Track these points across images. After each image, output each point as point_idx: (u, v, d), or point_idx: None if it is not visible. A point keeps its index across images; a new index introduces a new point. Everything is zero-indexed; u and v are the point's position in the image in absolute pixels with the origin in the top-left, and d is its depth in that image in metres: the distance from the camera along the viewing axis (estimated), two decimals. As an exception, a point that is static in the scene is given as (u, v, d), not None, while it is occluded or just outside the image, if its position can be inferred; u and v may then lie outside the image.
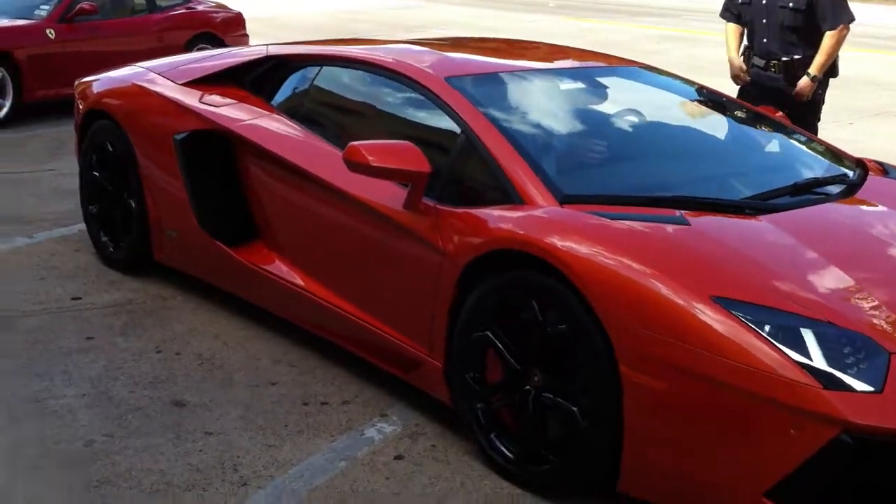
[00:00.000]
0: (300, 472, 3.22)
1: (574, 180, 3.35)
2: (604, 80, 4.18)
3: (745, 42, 5.48)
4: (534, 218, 3.11)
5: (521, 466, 3.11)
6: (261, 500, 3.07)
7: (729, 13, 5.55)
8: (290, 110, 4.29)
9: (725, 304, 2.68)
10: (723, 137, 3.97)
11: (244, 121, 4.32)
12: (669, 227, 3.01)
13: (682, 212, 3.12)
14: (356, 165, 3.43)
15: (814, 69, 5.11)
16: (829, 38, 5.10)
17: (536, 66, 4.25)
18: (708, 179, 3.57)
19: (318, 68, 4.33)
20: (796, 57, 5.15)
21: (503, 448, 3.16)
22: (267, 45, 4.86)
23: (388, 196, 3.56)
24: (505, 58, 4.44)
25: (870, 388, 2.53)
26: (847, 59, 12.39)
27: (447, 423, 3.49)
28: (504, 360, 3.13)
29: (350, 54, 4.29)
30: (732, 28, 5.52)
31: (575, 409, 2.91)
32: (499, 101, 3.75)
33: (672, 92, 4.29)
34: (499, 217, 3.19)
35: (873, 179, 3.70)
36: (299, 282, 4.01)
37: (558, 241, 2.94)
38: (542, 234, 3.00)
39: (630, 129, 3.91)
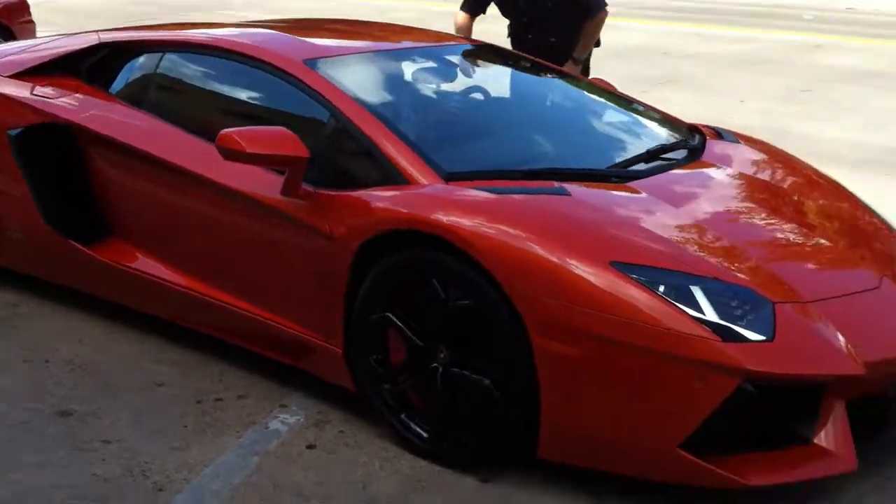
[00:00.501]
0: (214, 471, 3.19)
1: (454, 158, 3.44)
2: (457, 59, 4.30)
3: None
4: (426, 196, 3.18)
5: (437, 444, 3.20)
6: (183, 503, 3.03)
7: (469, 5, 5.60)
8: (136, 99, 4.16)
9: (622, 268, 2.86)
10: (574, 110, 4.17)
11: (86, 112, 4.15)
12: (554, 199, 3.17)
13: (560, 183, 3.29)
14: (231, 153, 3.39)
15: (577, 52, 5.37)
16: (590, 24, 5.37)
17: (392, 46, 4.30)
18: (570, 151, 3.77)
19: (160, 55, 4.19)
20: (554, 40, 5.35)
21: (416, 427, 3.23)
22: (97, 31, 4.67)
23: (263, 184, 3.53)
24: (359, 39, 4.48)
25: (762, 337, 2.79)
26: (634, 30, 13.20)
27: (350, 409, 3.53)
28: (407, 340, 3.19)
29: (197, 39, 4.20)
30: (465, 17, 5.59)
31: (488, 381, 3.03)
32: (364, 83, 3.78)
33: (519, 69, 4.46)
34: (389, 198, 3.24)
35: (711, 143, 4.00)
36: (171, 277, 3.92)
37: (455, 218, 3.03)
38: (437, 211, 3.07)
39: (494, 106, 4.06)
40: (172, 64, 4.16)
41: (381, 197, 3.26)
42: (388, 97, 3.82)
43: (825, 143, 7.54)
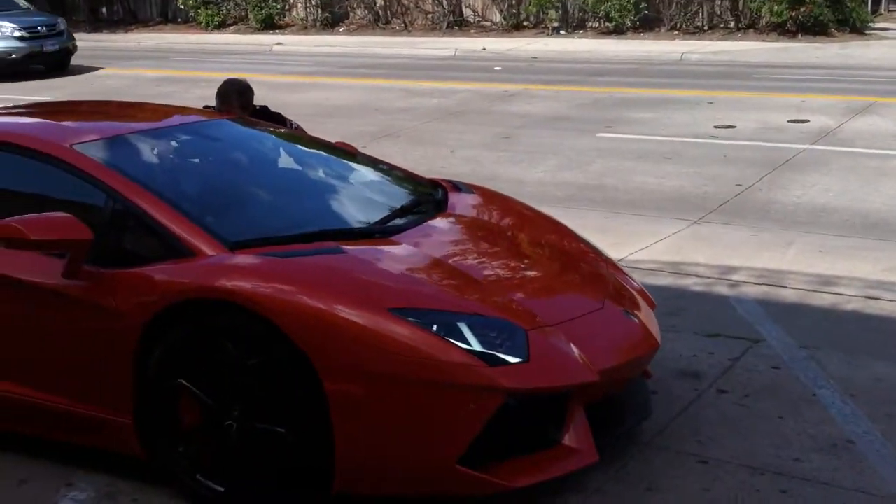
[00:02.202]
0: (13, 557, 3.21)
1: (235, 228, 3.68)
2: (213, 132, 4.53)
3: None
4: (214, 266, 3.41)
5: (236, 497, 3.39)
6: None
7: None
8: None
9: (399, 312, 3.25)
10: (330, 174, 4.51)
11: None
12: (332, 258, 3.51)
13: (335, 243, 3.64)
14: (14, 241, 3.45)
15: None
16: None
17: (152, 125, 4.44)
18: (334, 212, 4.12)
19: None
20: None
21: (213, 484, 3.41)
22: None
23: (38, 268, 3.60)
24: (114, 119, 4.58)
25: (519, 360, 3.27)
26: (344, 88, 13.80)
27: (138, 478, 3.63)
28: (201, 402, 3.39)
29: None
30: None
31: (282, 429, 3.29)
32: (135, 163, 3.94)
33: (273, 137, 4.75)
34: (178, 270, 3.43)
35: (453, 195, 4.49)
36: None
37: (244, 283, 3.29)
38: (226, 279, 3.32)
39: (261, 174, 4.33)
40: None
41: (170, 270, 3.45)
42: (162, 175, 3.98)
43: (531, 185, 8.40)
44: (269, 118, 5.54)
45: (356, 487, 3.32)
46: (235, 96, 5.81)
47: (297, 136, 4.91)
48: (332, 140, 5.12)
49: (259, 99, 5.81)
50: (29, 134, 3.98)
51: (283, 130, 4.95)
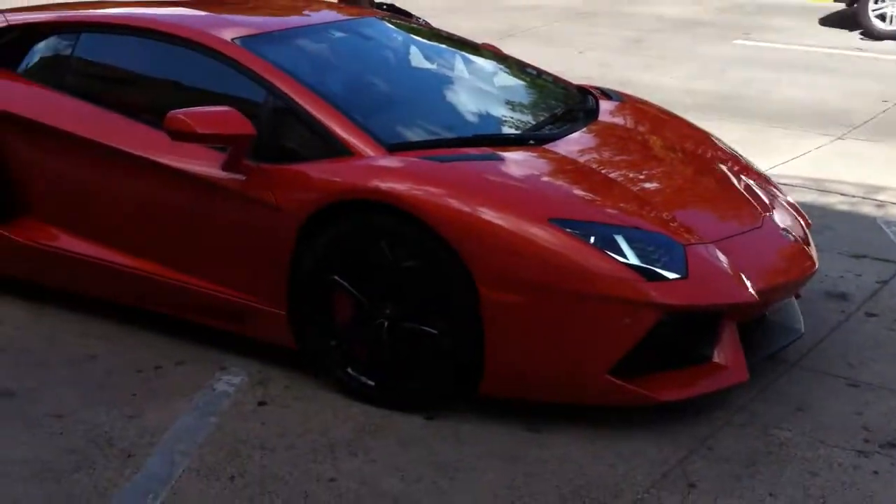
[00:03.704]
0: (176, 435, 3.36)
1: (391, 129, 3.68)
2: (366, 30, 4.50)
3: None
4: (375, 167, 3.42)
5: (384, 391, 3.48)
6: (156, 465, 3.20)
7: None
8: (55, 82, 4.16)
9: (559, 223, 3.23)
10: (482, 77, 4.44)
11: (2, 94, 4.15)
12: (490, 164, 3.48)
13: (491, 149, 3.61)
14: (180, 134, 3.52)
15: None
16: None
17: (307, 20, 4.43)
18: (486, 117, 4.07)
19: (76, 35, 4.20)
20: None
21: (363, 378, 3.50)
22: (3, 11, 4.58)
23: (202, 160, 3.68)
24: (269, 14, 4.58)
25: (677, 276, 3.22)
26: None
27: (288, 366, 3.75)
28: (355, 300, 3.46)
29: (117, 19, 4.22)
30: None
31: (435, 331, 3.33)
32: (295, 60, 3.94)
33: (424, 38, 4.69)
34: (339, 169, 3.46)
35: (604, 103, 4.39)
36: (100, 254, 4.00)
37: (406, 186, 3.30)
38: (388, 180, 3.33)
39: (415, 76, 4.29)
40: (92, 44, 4.18)
41: (330, 168, 3.48)
42: (321, 73, 3.98)
43: (663, 91, 8.15)
44: (398, 14, 5.48)
45: (502, 390, 3.37)
46: None
47: (445, 36, 4.83)
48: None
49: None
50: (191, 26, 4.00)
51: (431, 30, 4.88)
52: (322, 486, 3.09)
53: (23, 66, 4.29)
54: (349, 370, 3.54)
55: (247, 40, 3.90)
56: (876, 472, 3.17)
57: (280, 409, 3.53)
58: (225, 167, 3.62)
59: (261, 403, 3.56)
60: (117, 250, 3.96)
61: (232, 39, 3.88)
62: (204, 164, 3.68)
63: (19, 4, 5.73)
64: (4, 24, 4.38)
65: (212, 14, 4.28)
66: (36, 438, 3.32)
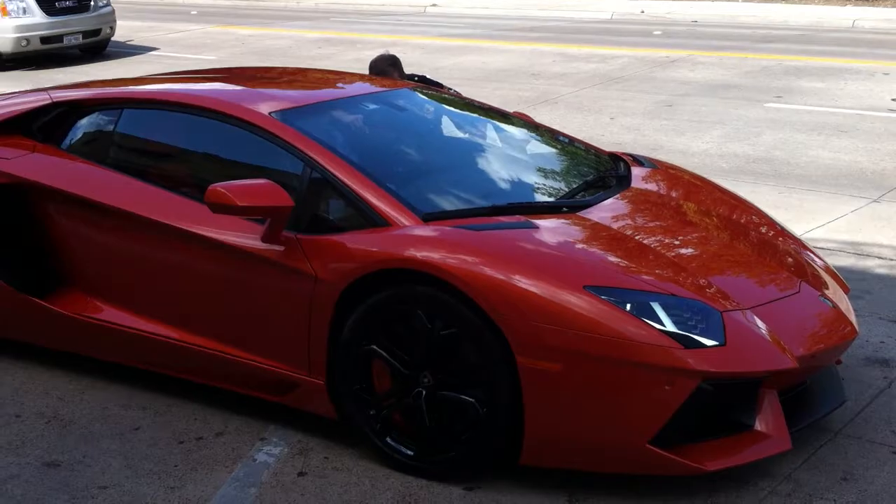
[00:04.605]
0: (218, 505, 3.40)
1: (426, 199, 3.75)
2: (399, 101, 4.59)
3: None
4: (411, 237, 3.48)
5: (423, 461, 3.48)
6: (200, 537, 3.22)
7: None
8: (97, 156, 4.28)
9: (595, 290, 3.25)
10: (513, 145, 4.51)
11: (48, 170, 4.26)
12: (524, 232, 3.52)
13: (525, 217, 3.64)
14: (221, 207, 3.60)
15: None
16: None
17: (342, 93, 4.55)
18: (519, 185, 4.13)
19: (118, 111, 4.33)
20: None
21: (402, 447, 3.51)
22: (47, 89, 4.74)
23: (241, 232, 3.75)
24: (304, 87, 4.71)
25: (716, 343, 3.22)
26: (500, 52, 13.77)
27: (327, 436, 3.78)
28: (392, 368, 3.49)
29: (158, 95, 4.36)
30: None
31: (472, 400, 3.35)
32: (330, 131, 4.03)
33: (454, 108, 4.77)
34: (375, 240, 3.52)
35: (636, 169, 4.44)
36: (142, 325, 4.06)
37: (442, 255, 3.34)
38: (424, 250, 3.38)
39: (448, 146, 4.37)
40: (133, 120, 4.30)
41: (367, 239, 3.53)
42: (356, 144, 4.07)
43: (696, 156, 8.20)
44: (430, 85, 5.59)
45: (543, 460, 3.36)
46: (392, 68, 5.92)
47: (477, 105, 4.92)
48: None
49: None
50: (229, 101, 4.11)
51: (463, 100, 4.97)
52: (363, 557, 3.08)
53: (66, 141, 4.42)
54: (388, 439, 3.55)
55: (284, 114, 3.99)
56: (925, 543, 3.11)
57: (319, 479, 3.54)
58: (264, 238, 3.69)
59: (300, 474, 3.58)
60: (159, 321, 4.03)
61: (269, 113, 3.98)
62: (243, 236, 3.75)
63: (61, 82, 5.91)
64: (49, 102, 4.52)
65: (249, 88, 4.39)
66: (80, 510, 3.36)
